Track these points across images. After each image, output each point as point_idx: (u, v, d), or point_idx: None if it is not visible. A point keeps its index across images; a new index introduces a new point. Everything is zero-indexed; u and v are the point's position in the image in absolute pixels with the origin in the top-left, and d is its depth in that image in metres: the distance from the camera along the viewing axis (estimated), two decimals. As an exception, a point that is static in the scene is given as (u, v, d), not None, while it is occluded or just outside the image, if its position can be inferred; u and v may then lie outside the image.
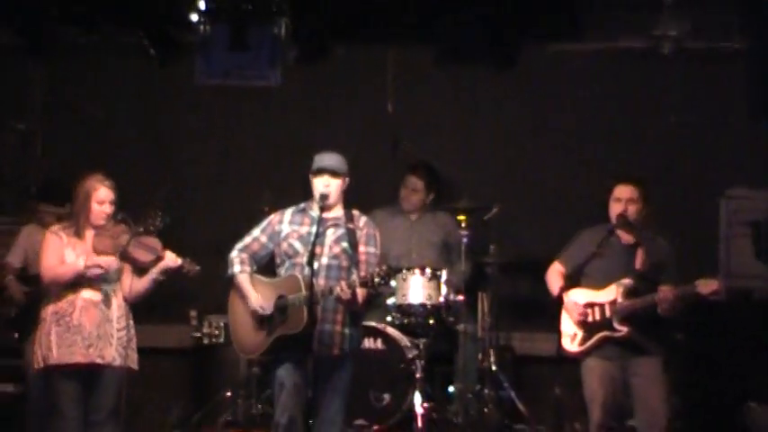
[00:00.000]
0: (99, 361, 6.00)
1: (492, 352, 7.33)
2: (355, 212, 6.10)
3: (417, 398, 6.96)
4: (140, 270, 6.13)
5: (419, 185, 7.69)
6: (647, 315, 6.15)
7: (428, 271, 7.18)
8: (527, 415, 7.22)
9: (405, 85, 8.01)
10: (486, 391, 7.21)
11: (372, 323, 7.04)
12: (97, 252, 6.07)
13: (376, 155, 7.81)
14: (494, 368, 7.30)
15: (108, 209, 6.09)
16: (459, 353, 7.33)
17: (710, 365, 7.15)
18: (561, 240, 6.56)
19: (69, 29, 7.41)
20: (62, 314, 6.01)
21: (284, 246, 6.02)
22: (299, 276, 5.86)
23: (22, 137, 8.03)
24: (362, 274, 5.84)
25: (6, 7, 7.19)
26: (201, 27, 7.07)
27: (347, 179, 6.05)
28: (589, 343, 6.23)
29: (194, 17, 7.04)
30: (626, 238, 6.32)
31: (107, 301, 6.08)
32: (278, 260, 6.07)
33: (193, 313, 7.58)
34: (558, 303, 6.28)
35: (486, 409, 7.17)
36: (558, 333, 6.27)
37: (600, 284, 6.27)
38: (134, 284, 6.13)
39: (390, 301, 7.22)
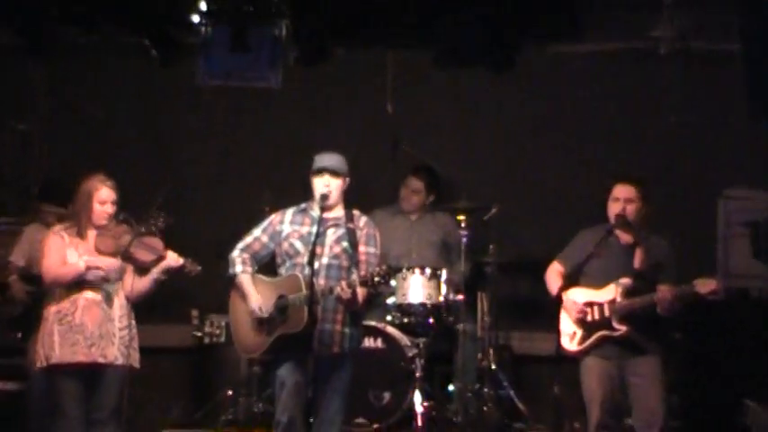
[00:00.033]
0: (101, 360, 6.02)
1: (491, 351, 7.37)
2: (355, 212, 6.13)
3: (417, 397, 7.00)
4: (142, 270, 6.15)
5: (419, 187, 7.72)
6: (645, 314, 6.17)
7: (428, 270, 7.21)
8: (526, 414, 7.26)
9: (404, 86, 8.01)
10: (485, 390, 7.24)
11: (372, 322, 7.07)
12: (99, 252, 6.09)
13: (376, 155, 7.82)
14: (493, 367, 7.33)
15: (110, 209, 6.11)
16: (459, 352, 7.35)
17: (709, 365, 7.15)
18: (560, 240, 6.58)
19: (70, 29, 7.34)
20: (64, 313, 6.04)
21: (285, 245, 6.04)
22: (300, 276, 5.89)
23: (23, 137, 8.02)
24: (362, 273, 5.87)
25: (7, 7, 7.14)
26: (202, 28, 7.03)
27: (347, 179, 6.07)
28: (588, 342, 6.26)
29: (195, 18, 7.01)
30: (625, 237, 6.34)
31: (109, 300, 6.10)
32: (279, 260, 6.09)
33: (195, 313, 7.62)
34: (557, 303, 6.30)
35: (485, 408, 7.20)
36: (557, 332, 6.29)
37: (599, 284, 6.29)
38: (136, 284, 6.15)
39: (390, 300, 7.25)
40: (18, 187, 7.93)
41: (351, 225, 6.04)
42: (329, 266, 5.97)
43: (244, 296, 6.03)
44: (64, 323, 6.02)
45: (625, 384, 6.23)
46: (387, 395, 6.98)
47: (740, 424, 6.40)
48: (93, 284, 6.07)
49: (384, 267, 5.82)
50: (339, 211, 6.09)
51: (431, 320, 7.23)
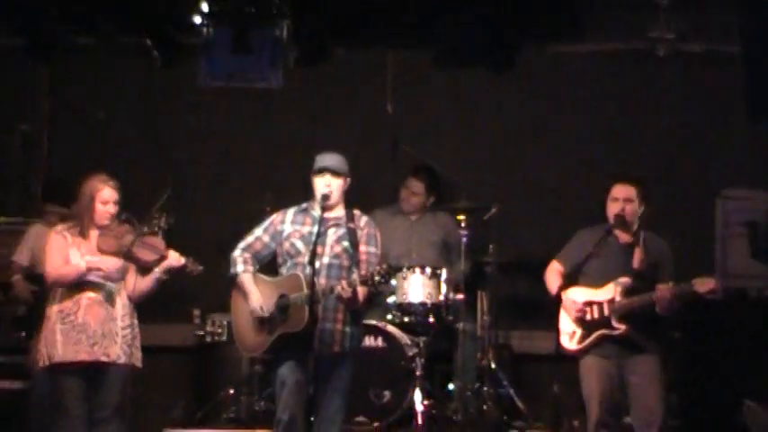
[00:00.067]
0: (104, 359, 6.04)
1: (491, 350, 7.37)
2: (356, 212, 6.14)
3: (417, 395, 7.00)
4: (144, 269, 6.16)
5: (420, 189, 7.73)
6: (644, 313, 6.20)
7: (428, 270, 7.22)
8: (525, 412, 7.27)
9: (404, 86, 8.04)
10: (485, 388, 7.24)
11: (373, 321, 7.07)
12: (101, 252, 6.11)
13: (376, 155, 7.83)
14: (493, 366, 7.33)
15: (112, 209, 6.13)
16: (459, 351, 7.36)
17: (707, 364, 7.16)
18: (560, 240, 6.59)
19: (72, 30, 7.38)
20: (67, 313, 6.06)
21: (286, 245, 6.06)
22: (301, 275, 5.90)
23: (26, 138, 8.03)
24: (363, 273, 5.88)
25: (9, 9, 7.18)
26: (204, 29, 7.04)
27: (348, 179, 6.09)
28: (587, 341, 6.28)
29: (197, 19, 7.02)
30: (623, 237, 6.36)
31: (111, 299, 6.12)
32: (280, 259, 6.10)
33: (196, 312, 7.64)
34: (556, 302, 6.31)
35: (485, 407, 7.20)
36: (557, 331, 6.31)
37: (598, 283, 6.31)
38: (138, 283, 6.18)
39: (391, 299, 7.26)
40: (21, 188, 7.96)
41: (351, 225, 6.06)
42: (330, 266, 5.98)
43: (245, 295, 6.04)
44: (66, 322, 6.04)
45: (624, 383, 6.25)
46: (387, 394, 6.99)
47: (739, 423, 6.40)
48: (96, 284, 6.09)
49: (385, 267, 5.83)
50: (340, 211, 6.11)
51: (431, 319, 7.24)
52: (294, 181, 6.67)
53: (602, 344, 6.26)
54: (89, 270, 6.07)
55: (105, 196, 6.13)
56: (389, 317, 7.26)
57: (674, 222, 7.13)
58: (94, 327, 6.04)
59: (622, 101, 7.98)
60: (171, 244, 6.17)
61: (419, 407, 6.99)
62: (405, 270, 7.20)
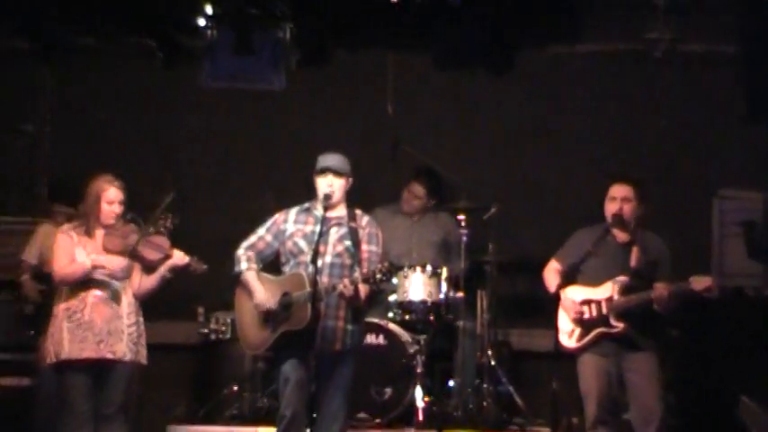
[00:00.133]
0: (110, 356, 6.08)
1: (490, 348, 7.35)
2: (358, 212, 6.18)
3: (418, 392, 7.03)
4: (149, 268, 6.21)
5: (421, 192, 7.76)
6: (642, 312, 6.24)
7: (429, 268, 7.24)
8: (525, 409, 7.26)
9: (404, 87, 8.03)
10: (484, 385, 7.24)
11: (374, 319, 7.09)
12: (107, 251, 6.16)
13: (376, 155, 7.82)
14: (492, 363, 7.31)
15: (117, 209, 6.18)
16: (459, 349, 7.37)
17: (705, 362, 7.18)
18: (558, 239, 6.62)
19: (76, 32, 7.38)
20: (73, 311, 6.11)
21: (289, 244, 6.09)
22: (304, 274, 5.94)
23: (30, 139, 8.07)
24: (365, 271, 5.92)
25: (15, 12, 7.19)
26: (207, 31, 7.03)
27: (350, 179, 6.12)
28: (586, 339, 6.31)
29: (200, 22, 7.02)
30: (621, 236, 6.39)
31: (117, 298, 6.16)
32: (283, 258, 6.14)
33: (200, 310, 7.62)
34: (555, 300, 6.34)
35: (484, 404, 7.20)
36: (556, 329, 6.33)
37: (596, 282, 6.35)
38: (143, 282, 6.22)
39: (392, 297, 7.29)
40: (24, 188, 7.98)
41: (353, 224, 6.09)
42: (332, 265, 6.03)
43: (249, 294, 6.08)
44: (73, 320, 6.09)
45: (623, 381, 6.29)
46: (388, 391, 7.02)
47: (736, 421, 6.41)
48: (102, 282, 6.14)
49: (386, 265, 5.88)
50: (342, 211, 6.14)
51: (431, 318, 7.26)
52: (296, 181, 6.68)
53: (601, 342, 6.30)
54: (94, 268, 6.11)
55: (111, 196, 6.18)
56: (390, 315, 7.28)
57: (671, 221, 7.16)
58: (100, 325, 6.09)
59: (621, 101, 7.98)
60: (175, 243, 6.21)
61: (420, 403, 7.03)
62: (406, 269, 7.22)
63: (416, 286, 7.23)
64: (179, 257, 6.19)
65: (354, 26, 7.32)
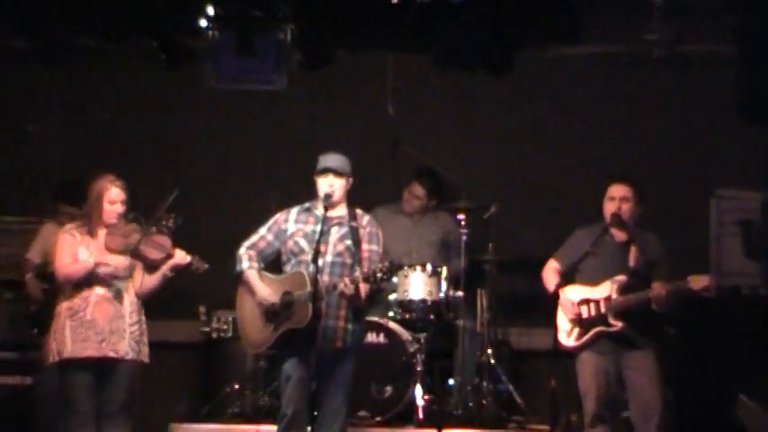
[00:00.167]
0: (112, 355, 6.10)
1: (490, 346, 7.36)
2: (358, 211, 6.22)
3: (418, 390, 7.04)
4: (151, 267, 6.23)
5: (422, 193, 7.77)
6: (640, 311, 6.28)
7: (429, 268, 7.25)
8: (524, 407, 7.28)
9: (404, 88, 8.02)
10: (484, 384, 7.26)
11: (375, 318, 7.11)
12: (109, 250, 6.18)
13: (376, 155, 7.84)
14: (492, 362, 7.33)
15: (119, 208, 6.20)
16: (459, 347, 7.39)
17: (702, 360, 7.20)
18: (557, 239, 6.67)
19: (79, 33, 7.38)
20: (76, 310, 6.13)
21: (290, 244, 6.13)
22: (305, 273, 5.97)
23: (35, 139, 8.08)
24: (365, 270, 5.95)
25: (19, 13, 7.21)
26: (210, 33, 7.03)
27: (351, 179, 6.16)
28: (585, 338, 6.35)
29: (203, 23, 7.02)
30: (619, 236, 6.43)
31: (119, 297, 6.19)
32: (284, 258, 6.17)
33: (202, 309, 7.64)
34: (554, 300, 6.37)
35: (484, 402, 7.22)
36: (555, 328, 6.36)
37: (595, 281, 6.39)
38: (145, 281, 6.25)
39: (392, 296, 7.30)
40: (30, 188, 7.97)
41: (354, 223, 6.13)
42: (333, 264, 6.06)
43: (251, 292, 6.12)
44: (75, 319, 6.11)
45: (622, 379, 6.33)
46: (388, 389, 7.02)
47: (733, 418, 6.38)
48: (105, 281, 6.16)
49: (386, 264, 5.91)
50: (342, 210, 6.18)
51: (431, 316, 7.28)
52: (297, 180, 6.71)
53: (599, 340, 6.34)
54: (97, 266, 6.14)
55: (113, 196, 6.21)
56: (391, 314, 7.30)
57: (669, 221, 7.19)
58: (103, 323, 6.11)
59: (620, 102, 7.98)
60: (177, 242, 6.23)
61: (420, 402, 7.04)
62: (406, 268, 7.23)
63: (417, 285, 7.25)
64: (181, 256, 6.21)
65: (355, 27, 7.29)
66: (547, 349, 6.52)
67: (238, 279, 6.21)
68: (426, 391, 7.12)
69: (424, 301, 7.25)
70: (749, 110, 6.48)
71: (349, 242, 6.11)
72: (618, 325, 6.30)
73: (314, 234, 6.07)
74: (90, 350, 6.09)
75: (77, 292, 6.16)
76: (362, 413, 6.96)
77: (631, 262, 6.40)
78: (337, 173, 6.11)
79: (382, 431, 6.97)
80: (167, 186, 6.52)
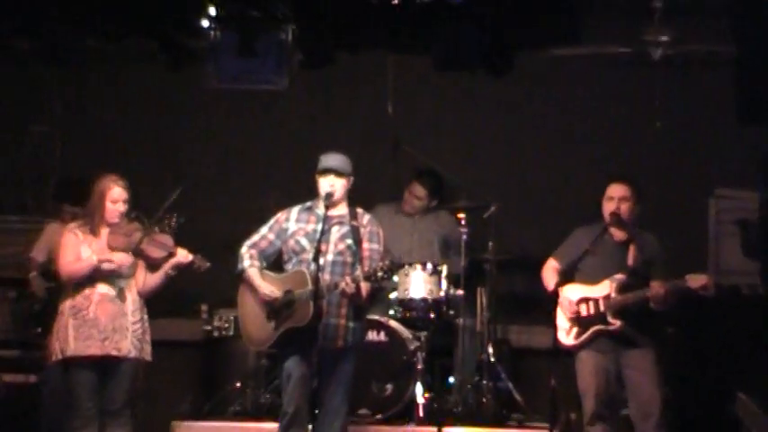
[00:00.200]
0: (115, 353, 6.13)
1: (490, 345, 7.38)
2: (359, 210, 6.24)
3: (418, 388, 7.06)
4: (153, 266, 6.26)
5: (422, 193, 7.77)
6: (639, 309, 6.29)
7: (429, 266, 7.27)
8: (524, 405, 7.29)
9: (404, 88, 8.05)
10: (484, 382, 7.27)
11: (375, 317, 7.11)
12: (111, 249, 6.21)
13: (377, 155, 7.86)
14: (492, 360, 7.34)
15: (121, 207, 6.23)
16: (459, 345, 7.40)
17: (701, 359, 7.20)
18: (557, 238, 6.67)
19: (83, 34, 7.37)
20: (79, 308, 6.16)
21: (291, 243, 6.15)
22: (306, 272, 5.99)
23: (39, 139, 8.11)
24: (366, 269, 5.98)
25: (23, 14, 7.21)
26: (211, 33, 7.04)
27: (352, 179, 6.18)
28: (584, 336, 6.37)
29: (204, 23, 7.03)
30: (618, 235, 6.44)
31: (122, 295, 6.22)
32: (285, 257, 6.20)
33: (204, 307, 7.64)
34: (553, 298, 6.37)
35: (484, 400, 7.23)
36: (554, 327, 6.38)
37: (594, 280, 6.40)
38: (147, 280, 6.28)
39: (393, 295, 7.31)
40: (34, 188, 8.01)
41: (354, 222, 6.15)
42: (334, 263, 6.09)
43: (252, 291, 6.14)
44: (78, 317, 6.14)
45: (621, 377, 6.35)
46: (389, 387, 7.03)
47: (732, 415, 6.41)
48: (107, 279, 6.19)
49: (387, 263, 5.94)
50: (343, 209, 6.20)
51: (432, 315, 7.28)
52: (298, 180, 6.73)
53: (598, 339, 6.35)
54: (100, 263, 6.16)
55: (115, 195, 6.24)
56: (391, 312, 7.31)
57: (668, 220, 7.21)
58: (105, 322, 6.14)
59: (620, 102, 8.00)
60: (179, 241, 6.25)
61: (420, 400, 7.06)
62: (406, 267, 7.23)
63: (417, 284, 7.26)
64: (183, 255, 6.23)
65: (355, 27, 7.26)
66: (546, 348, 6.54)
67: (240, 278, 6.24)
68: (426, 388, 7.13)
69: (424, 299, 7.26)
70: (748, 110, 6.49)
71: (350, 241, 6.13)
72: (616, 323, 6.32)
73: (315, 233, 6.09)
74: (93, 348, 6.11)
75: (80, 291, 6.19)
76: (363, 411, 6.97)
77: (630, 261, 6.42)
78: (338, 173, 6.14)
79: (383, 429, 6.99)
80: (169, 186, 6.60)
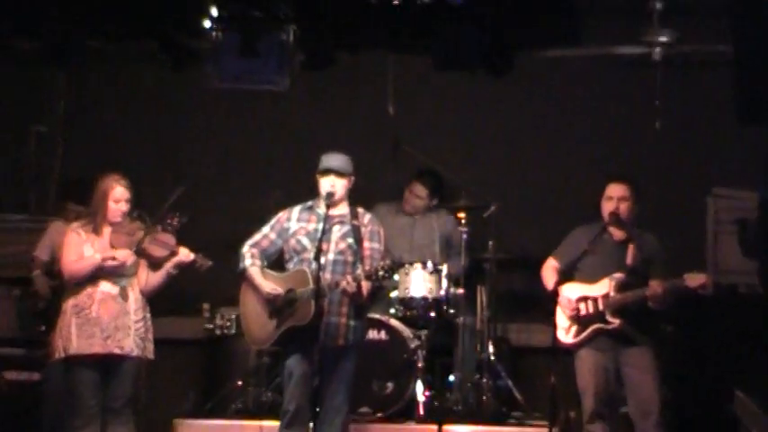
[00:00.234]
0: (117, 351, 6.16)
1: (490, 343, 7.40)
2: (360, 210, 6.27)
3: (419, 387, 7.08)
4: (155, 265, 6.29)
5: (423, 193, 7.79)
6: (638, 308, 6.32)
7: (429, 265, 7.29)
8: (523, 403, 7.31)
9: (405, 88, 8.02)
10: (484, 380, 7.29)
11: (376, 315, 7.13)
12: (114, 248, 6.25)
13: (377, 155, 7.86)
14: (492, 358, 7.37)
15: (124, 207, 6.27)
16: (459, 344, 7.41)
17: (699, 357, 7.20)
18: (556, 237, 6.70)
19: (86, 35, 7.37)
20: (81, 307, 6.19)
21: (292, 242, 6.19)
22: (307, 271, 6.03)
23: (43, 139, 8.12)
24: (367, 268, 6.01)
25: (25, 14, 7.22)
26: (213, 34, 7.06)
27: (353, 178, 6.20)
28: (583, 335, 6.40)
29: (206, 24, 7.05)
30: (617, 234, 6.47)
31: (124, 294, 6.25)
32: (286, 256, 6.23)
33: (206, 306, 7.65)
34: (553, 297, 6.40)
35: (484, 398, 7.24)
36: (554, 325, 6.40)
37: (593, 279, 6.43)
38: (149, 278, 6.31)
39: (393, 294, 7.32)
40: (36, 186, 8.04)
41: (355, 222, 6.18)
42: (335, 262, 6.12)
43: (254, 290, 6.17)
44: (81, 316, 6.17)
45: (620, 375, 6.37)
46: (390, 385, 7.05)
47: (729, 413, 6.42)
48: (110, 278, 6.21)
49: (388, 262, 5.97)
50: (344, 209, 6.23)
51: (432, 314, 7.30)
52: (299, 180, 6.75)
53: (597, 337, 6.39)
54: (104, 261, 6.18)
55: (117, 195, 6.27)
56: (392, 311, 7.33)
57: (667, 220, 7.23)
58: (108, 320, 6.17)
59: (619, 102, 8.01)
60: (181, 240, 6.28)
61: (420, 398, 7.08)
62: (407, 266, 7.24)
63: (417, 283, 7.28)
64: (184, 254, 6.26)
65: (355, 28, 7.27)
66: (546, 346, 6.54)
67: (241, 277, 6.26)
68: (427, 387, 7.15)
69: (424, 298, 7.28)
70: (748, 110, 6.49)
71: (351, 240, 6.17)
72: (615, 322, 6.35)
73: (316, 232, 6.12)
74: (95, 347, 6.14)
75: (83, 289, 6.22)
76: (364, 409, 6.99)
77: (629, 260, 6.45)
78: (339, 173, 6.17)
79: (383, 427, 7.01)
80: (170, 186, 6.58)
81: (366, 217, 6.27)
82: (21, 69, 8.07)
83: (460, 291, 7.42)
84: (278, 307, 6.11)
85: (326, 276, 6.04)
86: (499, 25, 7.17)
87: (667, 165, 7.94)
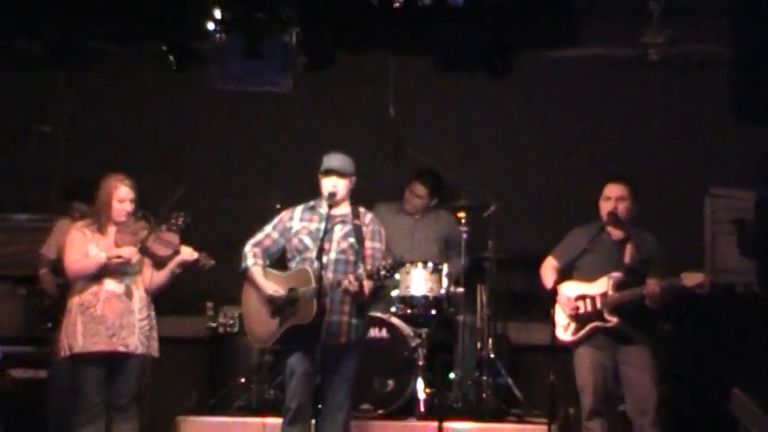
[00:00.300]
0: (122, 349, 6.19)
1: (490, 341, 7.39)
2: (361, 209, 6.30)
3: (419, 384, 7.09)
4: (159, 264, 6.32)
5: (423, 192, 7.81)
6: (635, 306, 6.35)
7: (430, 264, 7.31)
8: (523, 400, 7.30)
9: (406, 89, 8.06)
10: (484, 378, 7.29)
11: (377, 314, 7.14)
12: (118, 247, 6.28)
13: (378, 155, 7.88)
14: (491, 356, 7.36)
15: (128, 206, 6.30)
16: (459, 342, 7.43)
17: (696, 356, 7.20)
18: (555, 237, 6.73)
19: (90, 36, 7.45)
20: (87, 305, 6.22)
21: (294, 241, 6.21)
22: (309, 270, 6.05)
23: (47, 139, 8.16)
24: (368, 267, 6.03)
25: (32, 18, 7.24)
26: (217, 36, 7.10)
27: (354, 179, 6.23)
28: (581, 333, 6.43)
29: (210, 26, 7.09)
30: (616, 234, 6.50)
31: (129, 292, 6.28)
32: (289, 255, 6.26)
33: (209, 305, 7.66)
34: (551, 296, 6.42)
35: (484, 395, 7.24)
36: (552, 323, 6.42)
37: (591, 278, 6.46)
38: (153, 277, 6.34)
39: (394, 292, 7.33)
40: (43, 187, 8.04)
41: (357, 222, 6.21)
42: (337, 261, 6.15)
43: (256, 289, 6.19)
44: (86, 314, 6.20)
45: (618, 373, 6.39)
46: (391, 383, 7.06)
47: (726, 411, 6.43)
48: (114, 277, 6.24)
49: (389, 261, 5.99)
50: (345, 208, 6.26)
51: (433, 312, 7.31)
52: (301, 180, 6.77)
53: (596, 336, 6.41)
54: (109, 259, 6.22)
55: (122, 194, 6.30)
56: (393, 309, 7.34)
57: (665, 219, 7.25)
58: (113, 319, 6.20)
59: (618, 103, 8.02)
60: (184, 239, 6.30)
61: (421, 395, 7.10)
62: (408, 265, 7.26)
63: (418, 282, 7.30)
64: (188, 253, 6.29)
65: (357, 29, 7.29)
66: (545, 344, 6.54)
67: (244, 276, 6.29)
68: (427, 384, 7.16)
69: (425, 297, 7.30)
70: (746, 110, 6.53)
71: (352, 240, 6.19)
72: (613, 320, 6.38)
73: (318, 232, 6.15)
74: (100, 345, 6.17)
75: (88, 288, 6.25)
76: (365, 406, 7.00)
77: (627, 259, 6.47)
78: (340, 173, 6.20)
79: (384, 424, 7.03)
80: (174, 186, 6.58)
81: (367, 217, 6.30)
82: (21, 69, 8.10)
83: (460, 289, 7.44)
84: (280, 306, 6.13)
85: (328, 275, 6.07)
86: (499, 26, 7.20)
87: (666, 165, 7.95)
